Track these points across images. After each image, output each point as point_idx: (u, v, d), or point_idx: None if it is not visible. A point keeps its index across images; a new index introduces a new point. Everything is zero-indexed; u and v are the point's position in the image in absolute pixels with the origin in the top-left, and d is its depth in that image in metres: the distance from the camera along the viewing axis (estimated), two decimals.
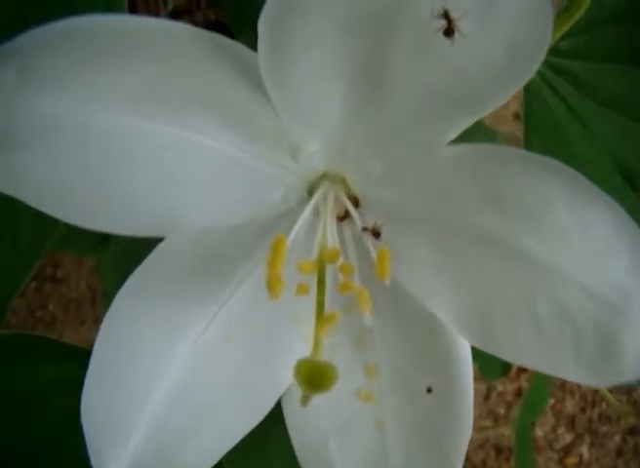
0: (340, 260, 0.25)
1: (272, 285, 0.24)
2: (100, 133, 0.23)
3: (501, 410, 1.17)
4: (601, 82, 0.44)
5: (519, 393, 1.17)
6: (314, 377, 0.22)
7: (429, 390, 0.27)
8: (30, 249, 0.35)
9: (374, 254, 0.25)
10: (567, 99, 0.43)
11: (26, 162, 0.22)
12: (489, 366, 0.82)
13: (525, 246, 0.24)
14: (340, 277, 0.25)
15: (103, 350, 0.26)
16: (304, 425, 0.28)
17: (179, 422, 0.27)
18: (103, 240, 0.58)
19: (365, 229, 0.26)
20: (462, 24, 0.20)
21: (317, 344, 0.23)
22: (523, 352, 0.25)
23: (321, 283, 0.25)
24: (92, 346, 0.27)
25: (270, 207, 0.27)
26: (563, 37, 0.41)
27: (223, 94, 0.24)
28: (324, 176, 0.27)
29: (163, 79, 0.23)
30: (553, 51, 0.41)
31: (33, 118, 0.22)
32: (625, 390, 1.09)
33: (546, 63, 0.41)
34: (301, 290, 0.25)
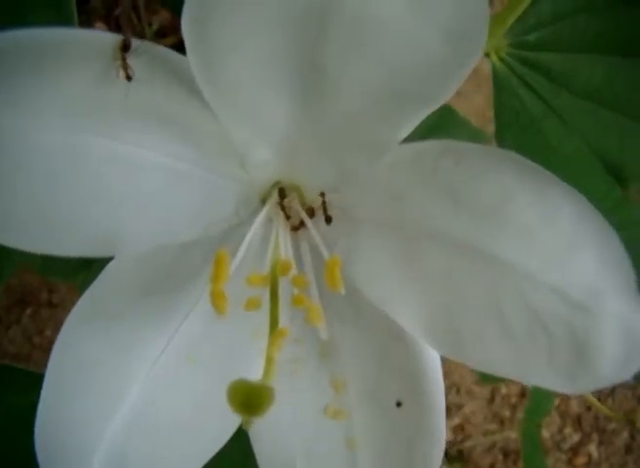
0: (294, 272, 0.24)
1: (215, 301, 0.23)
2: (32, 150, 0.22)
3: (507, 413, 1.15)
4: (576, 73, 0.43)
5: (523, 394, 1.15)
6: (248, 400, 0.20)
7: (399, 404, 0.25)
8: None
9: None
10: (541, 93, 0.41)
11: None
12: None
13: (488, 247, 0.23)
14: (295, 290, 0.24)
15: (56, 376, 0.25)
16: (270, 445, 0.27)
17: (139, 448, 0.26)
18: (87, 263, 0.57)
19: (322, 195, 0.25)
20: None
21: (270, 361, 0.22)
22: (494, 360, 0.24)
23: (274, 296, 0.23)
24: None
25: (222, 220, 0.25)
26: (530, 30, 0.40)
27: (162, 103, 0.23)
28: (277, 185, 0.26)
29: (96, 91, 0.22)
30: (521, 44, 0.40)
31: None
32: (631, 386, 1.07)
33: (515, 57, 0.40)
34: (252, 304, 0.24)
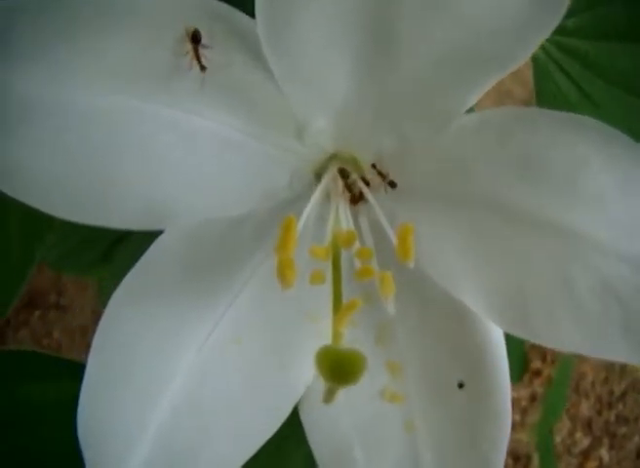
0: (357, 245, 0.23)
1: (284, 271, 0.21)
2: (84, 115, 0.21)
3: (517, 417, 1.14)
4: (611, 61, 0.42)
5: (533, 398, 1.15)
6: (339, 367, 0.19)
7: (461, 385, 0.24)
8: (21, 258, 0.33)
9: (392, 235, 0.23)
10: (576, 79, 0.41)
11: (6, 151, 0.20)
12: None
13: (559, 217, 0.22)
14: (358, 263, 0.23)
15: (99, 360, 0.24)
16: (325, 432, 0.26)
17: (187, 435, 0.25)
18: (105, 258, 0.56)
19: (374, 167, 0.23)
20: None
21: (337, 336, 0.21)
22: (565, 336, 0.23)
23: (336, 269, 0.22)
24: None
25: (276, 194, 0.24)
26: (570, 15, 0.40)
27: (222, 71, 0.22)
28: (333, 158, 0.25)
29: (151, 53, 0.21)
30: (560, 29, 0.39)
31: (8, 101, 0.20)
32: None
33: (553, 42, 0.39)
34: (316, 278, 0.23)
